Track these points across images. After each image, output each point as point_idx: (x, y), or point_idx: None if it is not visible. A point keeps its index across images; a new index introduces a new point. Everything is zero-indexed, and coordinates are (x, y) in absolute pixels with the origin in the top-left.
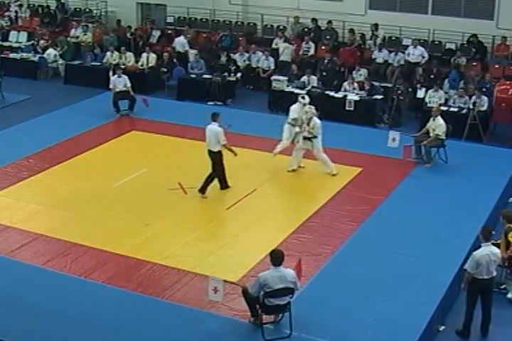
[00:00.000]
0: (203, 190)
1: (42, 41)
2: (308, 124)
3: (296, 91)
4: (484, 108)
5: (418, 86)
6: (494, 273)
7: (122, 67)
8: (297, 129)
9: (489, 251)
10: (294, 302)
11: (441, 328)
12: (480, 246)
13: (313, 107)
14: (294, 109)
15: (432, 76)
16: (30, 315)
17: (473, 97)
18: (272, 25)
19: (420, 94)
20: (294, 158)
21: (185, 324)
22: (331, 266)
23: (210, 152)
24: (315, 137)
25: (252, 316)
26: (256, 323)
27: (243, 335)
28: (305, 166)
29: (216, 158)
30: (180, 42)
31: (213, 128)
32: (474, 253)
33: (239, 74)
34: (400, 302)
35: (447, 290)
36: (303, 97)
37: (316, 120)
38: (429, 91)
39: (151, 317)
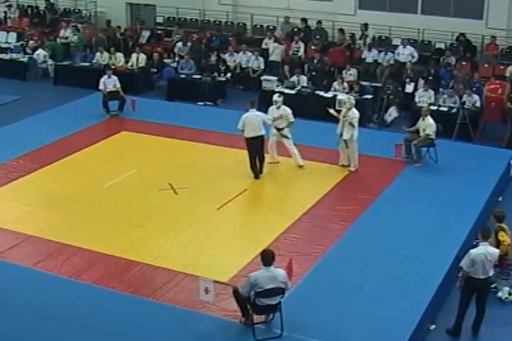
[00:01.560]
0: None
1: (31, 42)
2: (344, 116)
3: (287, 91)
4: (477, 104)
5: (407, 80)
6: (491, 273)
7: (112, 67)
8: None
9: (485, 250)
10: (284, 302)
11: (432, 327)
12: (477, 245)
13: (352, 97)
14: (271, 110)
15: (431, 77)
16: (20, 316)
17: (464, 96)
18: (261, 25)
19: (409, 88)
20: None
21: (176, 324)
22: (321, 265)
23: (258, 137)
24: (353, 127)
25: (243, 316)
26: (247, 323)
27: (234, 335)
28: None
29: (263, 141)
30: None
31: (256, 114)
32: (471, 251)
33: (229, 75)
34: (390, 301)
35: (437, 289)
36: (279, 96)
37: (355, 111)
38: (419, 91)
39: (141, 318)
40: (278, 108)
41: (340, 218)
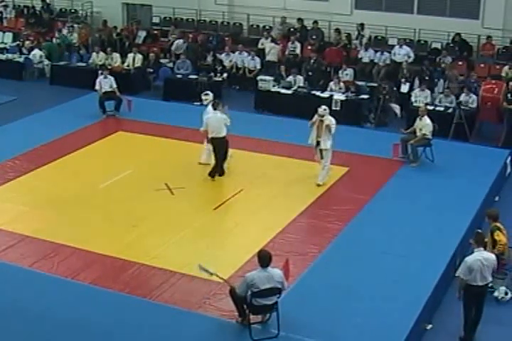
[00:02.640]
0: (215, 173)
1: (27, 42)
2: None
3: (283, 91)
4: (474, 105)
5: (402, 80)
6: (489, 279)
7: (109, 67)
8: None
9: (481, 256)
10: (281, 302)
11: (429, 327)
12: (473, 252)
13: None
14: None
15: (427, 77)
16: (17, 316)
17: (462, 96)
18: (258, 25)
19: (404, 88)
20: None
21: (173, 324)
22: (318, 265)
23: (219, 139)
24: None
25: (240, 316)
26: (243, 323)
27: (231, 335)
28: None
29: (226, 143)
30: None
31: (218, 115)
32: (466, 258)
33: (225, 75)
34: (387, 301)
35: (434, 289)
36: (206, 94)
37: (331, 117)
38: (416, 91)
39: (138, 318)
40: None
41: (336, 218)
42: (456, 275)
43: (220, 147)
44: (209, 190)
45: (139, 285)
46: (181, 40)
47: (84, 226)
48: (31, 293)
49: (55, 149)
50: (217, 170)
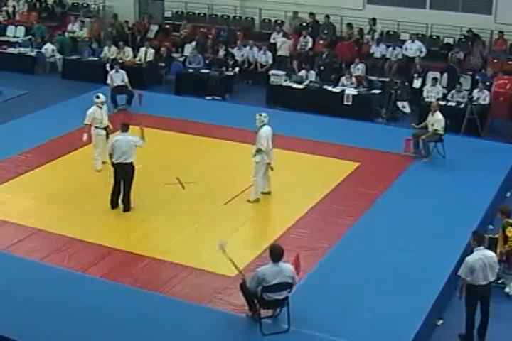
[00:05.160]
0: (127, 207)
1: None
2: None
3: (295, 86)
4: (486, 102)
5: (415, 75)
6: (491, 279)
7: (120, 61)
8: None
9: (482, 255)
10: (291, 297)
11: (439, 322)
12: (472, 251)
13: (263, 114)
14: (93, 111)
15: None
16: (28, 310)
17: (475, 91)
18: (269, 20)
19: (417, 83)
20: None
21: (183, 318)
22: (328, 260)
23: (126, 165)
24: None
25: (250, 310)
26: (254, 318)
27: (241, 330)
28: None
29: (131, 170)
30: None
31: (128, 138)
32: (467, 258)
33: (237, 69)
34: (397, 296)
35: (445, 284)
36: (97, 97)
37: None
38: (427, 86)
39: (148, 312)
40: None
41: (347, 213)
42: (458, 274)
43: (126, 174)
44: (220, 185)
45: (149, 279)
46: (193, 43)
47: (96, 220)
48: (42, 287)
49: (67, 143)
50: (125, 202)
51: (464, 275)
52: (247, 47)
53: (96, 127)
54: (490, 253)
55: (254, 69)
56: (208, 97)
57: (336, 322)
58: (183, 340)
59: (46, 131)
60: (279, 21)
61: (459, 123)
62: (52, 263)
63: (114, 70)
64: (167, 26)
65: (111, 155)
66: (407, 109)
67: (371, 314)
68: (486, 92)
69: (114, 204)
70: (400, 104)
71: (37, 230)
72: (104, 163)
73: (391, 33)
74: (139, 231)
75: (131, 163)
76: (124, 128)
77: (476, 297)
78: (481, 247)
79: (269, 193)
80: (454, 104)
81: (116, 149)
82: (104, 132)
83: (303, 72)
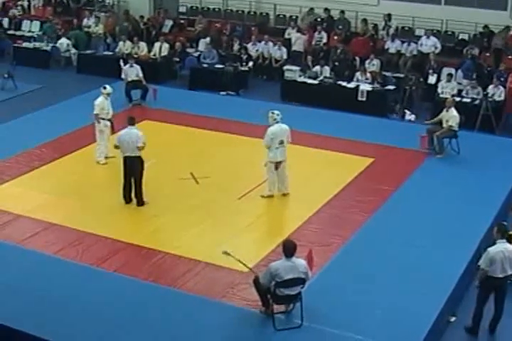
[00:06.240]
0: (141, 201)
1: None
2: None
3: (309, 81)
4: (501, 98)
5: (430, 71)
6: (509, 272)
7: (135, 56)
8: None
9: (504, 248)
10: (305, 292)
11: (452, 319)
12: (495, 243)
13: (275, 112)
14: (102, 101)
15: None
16: (41, 303)
17: (490, 88)
18: (284, 15)
19: (432, 80)
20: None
21: (196, 313)
22: (341, 256)
23: (134, 158)
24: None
25: (263, 306)
26: (267, 313)
27: (254, 325)
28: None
29: (139, 163)
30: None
31: (134, 132)
32: (489, 249)
33: (250, 63)
34: (410, 293)
35: (458, 281)
36: (104, 87)
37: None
38: (442, 82)
39: (162, 307)
40: None
41: (360, 209)
42: (478, 264)
43: (135, 168)
44: (234, 180)
45: (162, 273)
46: (208, 39)
47: (109, 214)
48: (55, 281)
49: (81, 138)
50: (138, 197)
51: (484, 266)
52: (262, 43)
53: (102, 118)
54: (511, 247)
55: (269, 65)
56: (222, 92)
57: (348, 318)
58: (196, 335)
59: (61, 125)
60: (293, 17)
61: (473, 119)
62: (66, 257)
63: (128, 65)
64: (182, 21)
65: (116, 147)
66: (413, 117)
67: (384, 310)
68: (501, 88)
69: (127, 199)
70: (407, 111)
71: (51, 224)
72: (108, 157)
73: (406, 28)
74: (152, 225)
75: (139, 157)
76: (131, 122)
77: (490, 289)
78: (504, 240)
79: (285, 195)
80: (468, 100)
81: (122, 143)
82: (109, 123)
83: (317, 68)
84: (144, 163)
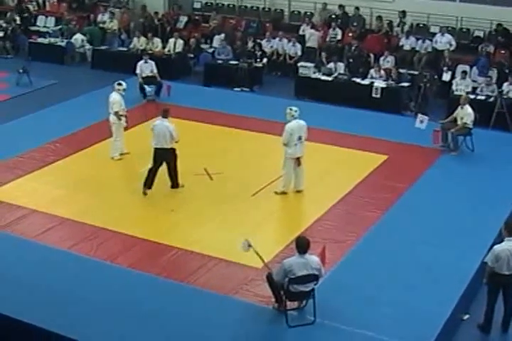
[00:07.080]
0: (175, 183)
1: (69, 26)
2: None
3: (323, 78)
4: None
5: (444, 69)
6: None
7: (149, 52)
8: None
9: (510, 245)
10: (318, 289)
11: (466, 317)
12: (503, 241)
13: (293, 108)
14: (118, 99)
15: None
16: (55, 298)
17: (505, 85)
18: (299, 12)
19: (446, 77)
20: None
21: (209, 309)
22: (355, 253)
23: (166, 150)
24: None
25: (276, 302)
26: (280, 309)
27: (267, 321)
28: None
29: (172, 155)
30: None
31: (166, 124)
32: (495, 246)
33: (265, 60)
34: (423, 291)
35: (471, 279)
36: (119, 84)
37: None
38: (456, 79)
39: (175, 302)
40: None
41: (374, 206)
42: (484, 261)
43: (167, 158)
44: (248, 176)
45: (176, 269)
46: (223, 35)
47: (124, 210)
48: (69, 276)
49: (95, 133)
50: (174, 179)
51: (490, 262)
52: (276, 39)
53: (121, 115)
54: None
55: (283, 61)
56: (236, 89)
57: (361, 315)
58: (209, 331)
59: (75, 120)
60: (308, 13)
61: (488, 117)
62: (80, 252)
63: (143, 61)
64: (196, 17)
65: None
66: (424, 125)
67: (397, 308)
68: None
69: (148, 185)
70: (419, 117)
71: (65, 219)
72: (123, 154)
73: (421, 25)
74: (166, 221)
75: (171, 149)
76: (165, 115)
77: (498, 286)
78: (511, 238)
79: (299, 192)
80: (483, 97)
81: (155, 134)
82: (124, 119)
83: (331, 64)
84: (176, 155)
